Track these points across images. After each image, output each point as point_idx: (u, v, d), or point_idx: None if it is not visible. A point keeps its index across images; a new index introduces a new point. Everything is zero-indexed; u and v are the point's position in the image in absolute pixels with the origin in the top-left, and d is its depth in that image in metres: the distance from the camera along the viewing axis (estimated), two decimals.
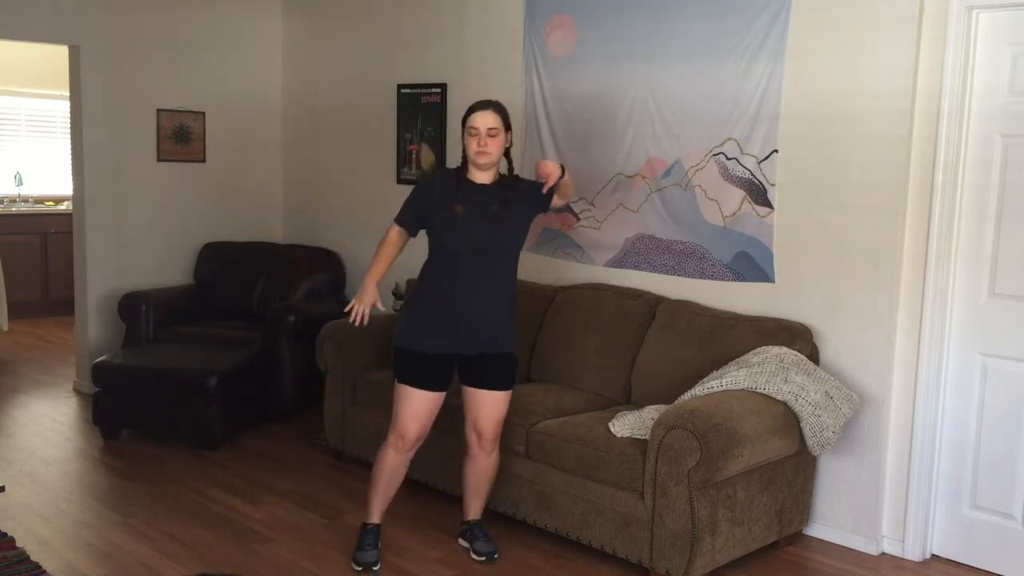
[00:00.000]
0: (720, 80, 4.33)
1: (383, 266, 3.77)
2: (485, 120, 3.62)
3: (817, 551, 4.06)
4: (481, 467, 3.89)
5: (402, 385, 3.74)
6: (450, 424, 3.97)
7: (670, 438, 3.51)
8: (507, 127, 3.69)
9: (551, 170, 3.65)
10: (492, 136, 3.62)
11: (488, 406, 3.79)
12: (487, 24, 5.38)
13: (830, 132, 4.02)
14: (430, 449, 4.13)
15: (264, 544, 3.99)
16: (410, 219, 3.78)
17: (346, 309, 3.77)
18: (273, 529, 4.14)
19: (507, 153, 3.75)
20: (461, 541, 4.00)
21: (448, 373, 3.77)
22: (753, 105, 4.23)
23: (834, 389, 3.85)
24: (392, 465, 3.80)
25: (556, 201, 3.78)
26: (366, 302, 3.74)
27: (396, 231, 3.79)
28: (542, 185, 3.68)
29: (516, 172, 3.86)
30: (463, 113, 3.70)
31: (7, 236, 8.29)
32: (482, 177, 3.70)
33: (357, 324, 3.72)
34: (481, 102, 3.69)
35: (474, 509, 3.99)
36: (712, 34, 4.35)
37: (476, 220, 3.64)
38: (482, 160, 3.65)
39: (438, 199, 3.68)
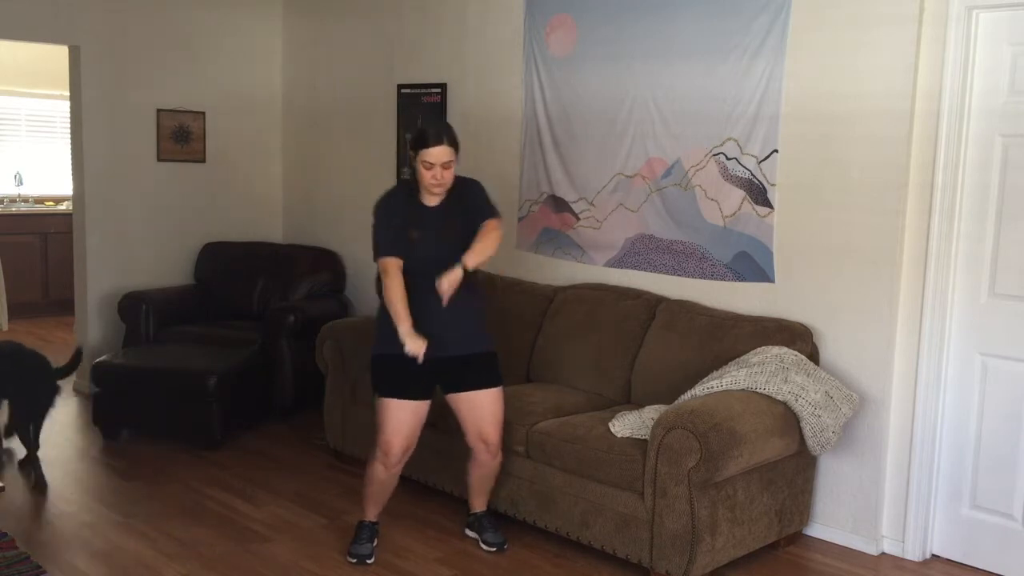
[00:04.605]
0: (720, 80, 4.33)
1: (406, 308, 3.58)
2: (440, 155, 3.58)
3: (817, 551, 4.06)
4: (487, 469, 3.94)
5: (383, 399, 3.72)
6: (448, 424, 3.97)
7: (670, 438, 3.51)
8: (457, 151, 3.64)
9: (446, 288, 3.51)
10: (447, 168, 3.61)
11: (486, 408, 3.80)
12: (487, 24, 5.37)
13: (830, 132, 4.02)
14: (429, 450, 4.13)
15: (264, 544, 3.99)
16: (397, 248, 3.65)
17: (408, 352, 3.56)
18: (273, 529, 4.14)
19: None
20: (468, 531, 4.08)
21: (429, 381, 3.73)
22: (753, 105, 4.23)
23: (834, 389, 3.85)
24: (381, 479, 3.81)
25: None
26: (419, 346, 3.55)
27: (395, 264, 3.63)
28: (482, 198, 3.74)
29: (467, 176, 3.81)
30: (415, 138, 3.60)
31: (7, 236, 8.29)
32: (432, 200, 3.71)
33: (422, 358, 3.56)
34: (434, 133, 3.60)
35: (479, 503, 4.05)
36: (712, 34, 4.35)
37: (430, 242, 3.65)
38: (437, 191, 3.66)
39: (398, 225, 3.67)
